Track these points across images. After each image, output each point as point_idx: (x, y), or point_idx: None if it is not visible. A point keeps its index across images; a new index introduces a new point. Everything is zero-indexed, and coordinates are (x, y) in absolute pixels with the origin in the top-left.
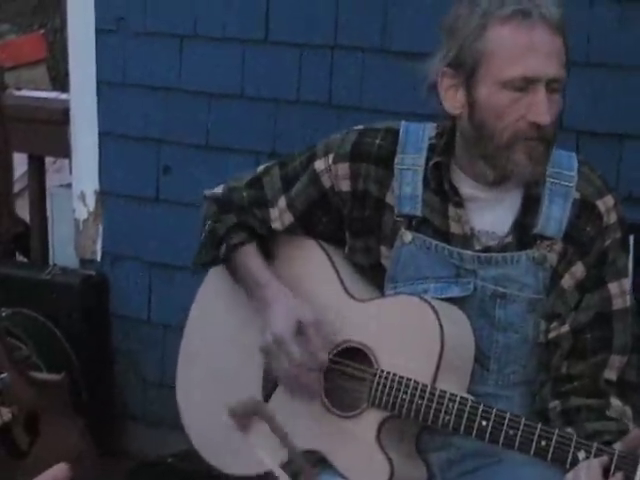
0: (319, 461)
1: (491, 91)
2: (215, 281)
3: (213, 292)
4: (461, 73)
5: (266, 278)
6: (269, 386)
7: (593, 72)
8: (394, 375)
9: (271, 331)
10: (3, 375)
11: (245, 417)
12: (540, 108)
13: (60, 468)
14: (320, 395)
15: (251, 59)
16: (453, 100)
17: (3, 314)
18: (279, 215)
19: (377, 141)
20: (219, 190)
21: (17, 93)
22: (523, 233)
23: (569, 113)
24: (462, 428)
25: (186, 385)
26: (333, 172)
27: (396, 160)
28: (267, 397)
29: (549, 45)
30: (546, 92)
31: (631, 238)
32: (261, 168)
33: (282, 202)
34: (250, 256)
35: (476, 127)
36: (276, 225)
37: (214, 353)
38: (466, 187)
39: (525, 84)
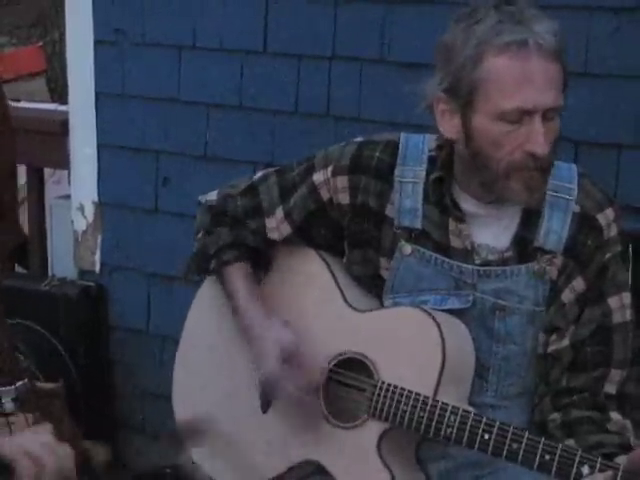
0: (319, 472)
1: (487, 121)
2: (211, 288)
3: (209, 299)
4: (457, 100)
5: (246, 305)
6: (266, 397)
7: (591, 82)
8: (395, 387)
9: (263, 373)
10: (20, 383)
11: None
12: (537, 139)
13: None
14: (319, 410)
15: (249, 70)
16: (449, 125)
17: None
18: (276, 225)
19: (376, 154)
20: (214, 196)
21: (15, 105)
22: (523, 247)
23: (567, 123)
24: (464, 441)
25: (182, 396)
26: (332, 185)
27: (396, 172)
28: (265, 406)
29: (545, 74)
30: (543, 121)
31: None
32: (258, 175)
33: (279, 212)
34: (238, 276)
35: (472, 154)
36: (273, 235)
37: (210, 363)
38: (466, 203)
39: (521, 116)
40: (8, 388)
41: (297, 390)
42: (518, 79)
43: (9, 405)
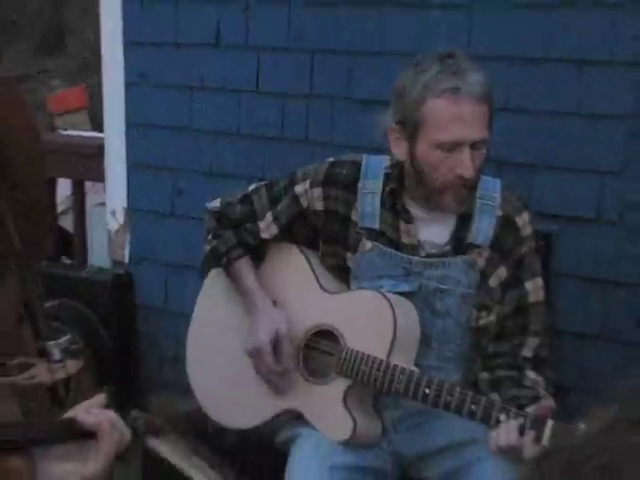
0: (297, 418)
1: (427, 149)
2: (216, 279)
3: (215, 287)
4: (405, 131)
5: (254, 289)
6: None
7: (511, 116)
8: (357, 352)
9: (252, 342)
10: (64, 338)
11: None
12: (465, 165)
13: (99, 398)
14: (299, 370)
15: (245, 105)
16: (399, 149)
17: (51, 304)
18: (266, 227)
19: (344, 171)
20: (217, 203)
21: (64, 133)
22: (458, 243)
23: (493, 147)
24: (410, 394)
25: (194, 359)
26: (310, 195)
27: (359, 185)
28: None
29: (473, 114)
30: (471, 150)
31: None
32: (251, 187)
33: (269, 216)
34: (243, 268)
35: (416, 173)
36: (265, 235)
37: (215, 334)
38: (413, 209)
39: (454, 146)
40: (55, 342)
41: (272, 368)
42: (451, 118)
43: (57, 355)
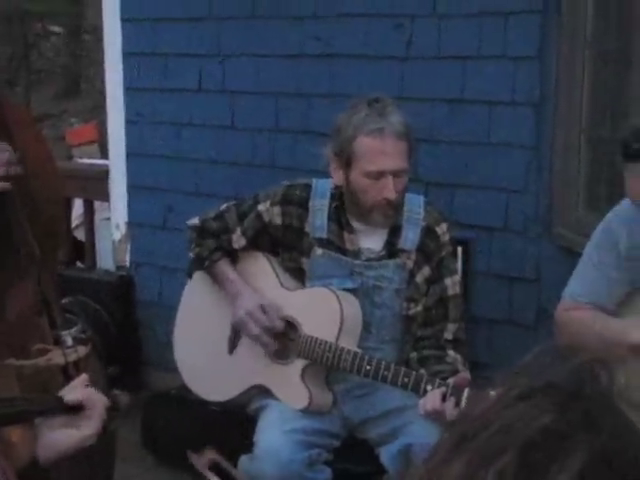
0: (264, 392)
1: (358, 177)
2: (198, 279)
3: (197, 286)
4: (341, 161)
5: (235, 279)
6: (233, 343)
7: (435, 145)
8: (312, 337)
9: (243, 308)
10: (75, 328)
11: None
12: (389, 189)
13: (83, 377)
14: (272, 348)
15: (223, 138)
16: (337, 176)
17: (67, 300)
18: (237, 239)
19: (297, 192)
20: (195, 220)
21: (79, 160)
22: (391, 248)
23: (421, 170)
24: (355, 370)
25: (179, 344)
26: (270, 212)
27: (310, 203)
28: (231, 350)
29: (395, 149)
30: (394, 178)
31: (459, 249)
32: (223, 207)
33: (238, 230)
34: (225, 266)
35: (351, 195)
36: (235, 246)
37: (198, 321)
38: (354, 222)
39: (379, 175)
40: (68, 331)
41: (265, 324)
42: (377, 152)
43: (69, 342)
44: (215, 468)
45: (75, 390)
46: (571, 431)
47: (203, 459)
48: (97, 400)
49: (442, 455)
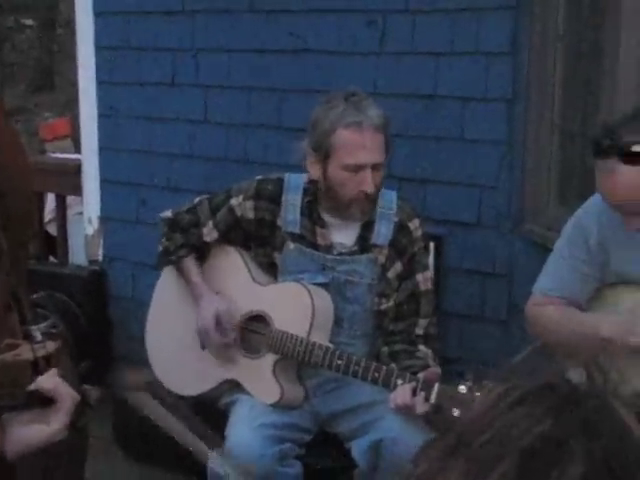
0: (235, 386)
1: (336, 171)
2: (169, 273)
3: (168, 280)
4: (318, 155)
5: (197, 282)
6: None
7: (409, 141)
8: (283, 332)
9: (199, 323)
10: (45, 323)
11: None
12: (367, 183)
13: (53, 371)
14: (235, 350)
15: (196, 133)
16: (314, 170)
17: (39, 295)
18: (209, 232)
19: (270, 187)
20: (168, 213)
21: (52, 155)
22: (363, 243)
23: (395, 166)
24: (326, 365)
25: (151, 339)
26: (243, 206)
27: (283, 198)
28: (204, 346)
29: (373, 142)
30: (372, 171)
31: (432, 244)
32: (196, 200)
33: (210, 224)
34: (189, 265)
35: (327, 189)
36: (207, 239)
37: (170, 316)
38: (327, 217)
39: (357, 168)
40: (37, 326)
41: (217, 342)
42: (355, 145)
43: (39, 337)
44: (150, 389)
45: (46, 381)
46: (569, 437)
47: (137, 377)
48: (66, 394)
49: (436, 462)
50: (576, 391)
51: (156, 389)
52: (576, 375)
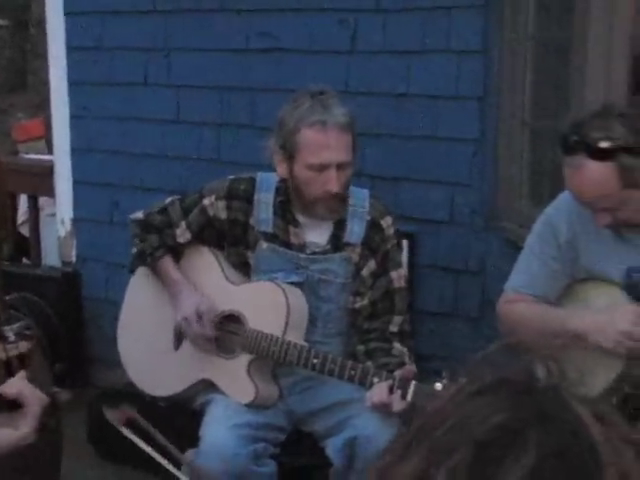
0: (210, 386)
1: (301, 170)
2: (142, 275)
3: (141, 282)
4: (285, 154)
5: (177, 279)
6: (178, 340)
7: (381, 139)
8: (258, 331)
9: (181, 314)
10: (18, 324)
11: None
12: (332, 182)
13: (20, 375)
14: (212, 346)
15: (168, 133)
16: (281, 169)
17: (12, 296)
18: (182, 233)
19: (242, 186)
20: (139, 214)
21: (25, 156)
22: (336, 242)
23: (367, 165)
24: (301, 364)
25: (124, 340)
26: (215, 206)
27: (255, 197)
28: (177, 346)
29: (338, 142)
30: (337, 170)
31: (405, 242)
32: (168, 200)
33: (183, 225)
34: (167, 264)
35: (295, 188)
36: (180, 240)
37: (142, 317)
38: (299, 216)
39: (322, 167)
40: (10, 327)
41: (198, 334)
42: (320, 144)
43: (12, 337)
44: (131, 424)
45: (10, 386)
46: (524, 427)
47: (119, 414)
48: (33, 397)
49: (398, 452)
50: (534, 384)
51: (138, 424)
52: (541, 370)
